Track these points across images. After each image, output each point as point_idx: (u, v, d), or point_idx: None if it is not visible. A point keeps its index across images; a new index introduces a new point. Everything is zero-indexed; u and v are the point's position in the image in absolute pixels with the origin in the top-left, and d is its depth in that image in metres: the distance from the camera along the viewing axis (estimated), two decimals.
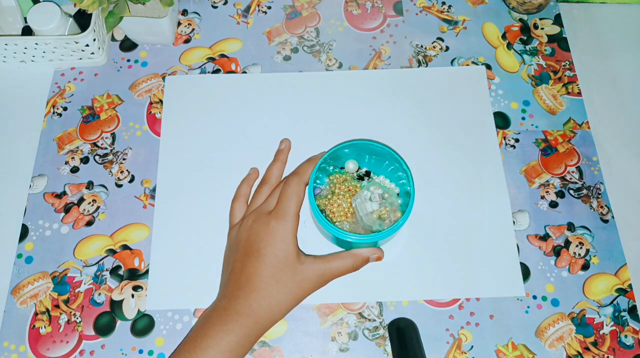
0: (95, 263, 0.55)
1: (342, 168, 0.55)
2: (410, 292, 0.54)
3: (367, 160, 0.54)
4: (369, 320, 0.53)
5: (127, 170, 0.60)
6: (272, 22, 0.68)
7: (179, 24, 0.68)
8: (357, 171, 0.55)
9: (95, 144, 0.61)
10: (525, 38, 0.66)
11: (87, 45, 0.61)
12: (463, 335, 0.52)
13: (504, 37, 0.67)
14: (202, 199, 0.58)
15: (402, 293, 0.54)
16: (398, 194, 0.54)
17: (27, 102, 0.63)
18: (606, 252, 0.56)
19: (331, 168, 0.55)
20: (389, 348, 0.52)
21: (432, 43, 0.66)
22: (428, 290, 0.54)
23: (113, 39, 0.67)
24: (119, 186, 0.59)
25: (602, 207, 0.58)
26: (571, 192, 0.58)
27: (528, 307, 0.53)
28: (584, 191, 0.58)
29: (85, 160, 0.60)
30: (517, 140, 0.61)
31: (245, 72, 0.65)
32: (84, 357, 0.52)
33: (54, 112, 0.63)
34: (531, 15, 0.68)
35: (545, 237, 0.56)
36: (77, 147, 0.61)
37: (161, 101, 0.63)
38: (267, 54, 0.66)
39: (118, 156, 0.60)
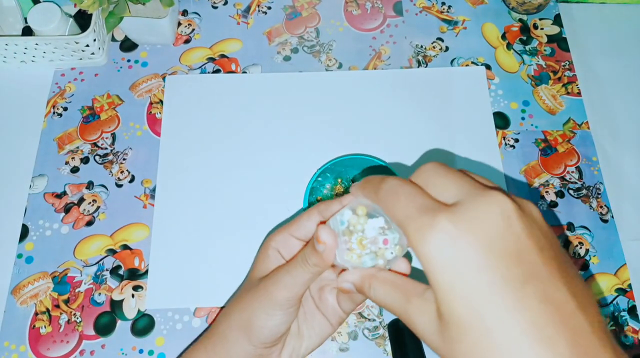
0: (96, 263, 0.55)
1: (338, 179, 0.55)
2: None
3: (360, 171, 0.55)
4: (369, 319, 0.53)
5: (127, 170, 0.60)
6: (272, 23, 0.68)
7: (179, 24, 0.68)
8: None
9: (95, 144, 0.61)
10: (524, 38, 0.67)
11: (88, 46, 0.61)
12: None
13: (503, 37, 0.67)
14: (202, 199, 0.58)
15: None
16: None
17: (28, 102, 0.63)
18: (606, 251, 0.56)
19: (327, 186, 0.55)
20: (388, 348, 0.52)
21: (432, 43, 0.66)
22: None
23: (113, 39, 0.67)
24: (119, 186, 0.59)
25: (601, 207, 0.58)
26: (571, 192, 0.58)
27: None
28: (584, 191, 0.58)
29: (85, 160, 0.60)
30: (516, 140, 0.61)
31: (245, 72, 0.65)
32: (84, 357, 0.52)
33: (54, 112, 0.63)
34: (531, 16, 0.68)
35: None
36: (78, 147, 0.61)
37: (161, 101, 0.63)
38: (267, 54, 0.66)
39: (118, 156, 0.60)
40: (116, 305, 0.54)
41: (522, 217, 0.25)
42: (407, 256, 0.33)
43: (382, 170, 0.53)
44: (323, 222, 0.35)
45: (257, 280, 0.37)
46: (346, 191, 0.55)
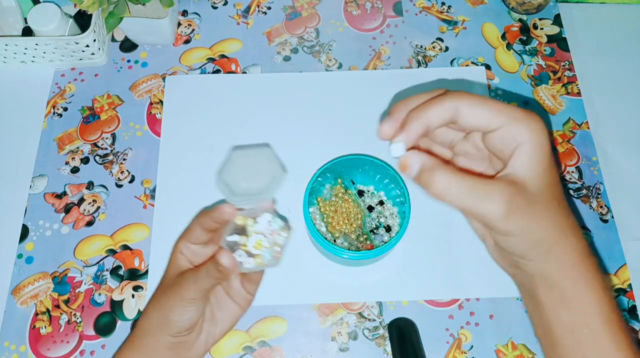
0: (96, 264, 0.55)
1: (338, 179, 0.55)
2: (410, 292, 0.54)
3: (359, 171, 0.55)
4: (369, 320, 0.53)
5: (127, 171, 0.60)
6: (272, 23, 0.68)
7: (179, 24, 0.68)
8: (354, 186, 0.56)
9: (95, 144, 0.61)
10: (524, 38, 0.67)
11: (87, 46, 0.61)
12: (463, 335, 0.52)
13: (503, 37, 0.67)
14: (202, 199, 0.58)
15: (402, 293, 0.54)
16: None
17: (28, 102, 0.63)
18: (606, 252, 0.56)
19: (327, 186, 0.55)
20: (388, 348, 0.52)
21: (432, 43, 0.66)
22: (428, 290, 0.54)
23: (113, 39, 0.67)
24: (119, 186, 0.59)
25: (601, 207, 0.58)
26: (571, 192, 0.58)
27: None
28: (584, 191, 0.58)
29: (85, 161, 0.60)
30: None
31: (245, 73, 0.65)
32: (85, 357, 0.52)
33: (54, 113, 0.63)
34: (530, 16, 0.68)
35: None
36: (78, 148, 0.61)
37: (161, 101, 0.63)
38: (267, 55, 0.66)
39: (118, 156, 0.61)
40: (116, 305, 0.54)
41: None
42: None
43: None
44: (213, 230, 0.43)
45: (170, 281, 0.43)
46: (346, 191, 0.55)
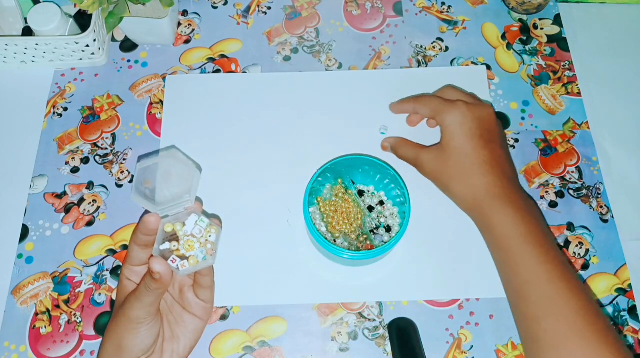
0: (96, 264, 0.55)
1: (338, 179, 0.55)
2: (410, 292, 0.54)
3: (360, 171, 0.55)
4: (369, 320, 0.53)
5: (127, 171, 0.60)
6: (272, 23, 0.68)
7: (179, 24, 0.68)
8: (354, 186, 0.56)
9: (95, 144, 0.61)
10: (524, 38, 0.67)
11: (88, 46, 0.61)
12: (463, 335, 0.52)
13: (503, 37, 0.67)
14: (201, 199, 0.58)
15: (402, 293, 0.54)
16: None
17: (28, 102, 0.63)
18: (606, 251, 0.56)
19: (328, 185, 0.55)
20: (389, 348, 0.52)
21: (432, 43, 0.66)
22: (428, 290, 0.54)
23: (113, 39, 0.67)
24: (119, 186, 0.59)
25: (601, 207, 0.58)
26: (571, 192, 0.58)
27: None
28: (584, 191, 0.58)
29: (85, 161, 0.60)
30: (516, 141, 0.61)
31: (245, 73, 0.65)
32: (85, 357, 0.52)
33: (54, 113, 0.63)
34: (531, 16, 0.68)
35: None
36: (78, 148, 0.61)
37: (161, 101, 0.63)
38: (267, 55, 0.66)
39: (118, 156, 0.61)
40: None
41: (496, 118, 0.54)
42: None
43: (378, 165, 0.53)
44: (149, 245, 0.41)
45: (118, 308, 0.42)
46: (346, 191, 0.55)
